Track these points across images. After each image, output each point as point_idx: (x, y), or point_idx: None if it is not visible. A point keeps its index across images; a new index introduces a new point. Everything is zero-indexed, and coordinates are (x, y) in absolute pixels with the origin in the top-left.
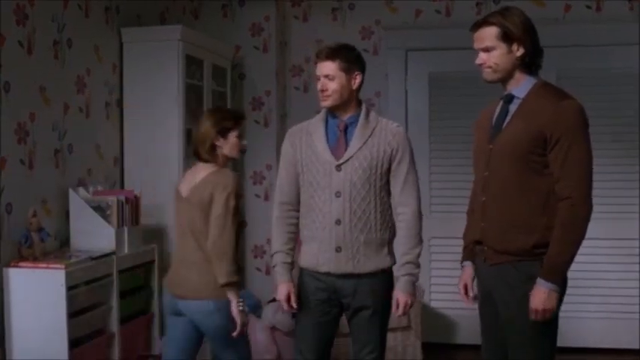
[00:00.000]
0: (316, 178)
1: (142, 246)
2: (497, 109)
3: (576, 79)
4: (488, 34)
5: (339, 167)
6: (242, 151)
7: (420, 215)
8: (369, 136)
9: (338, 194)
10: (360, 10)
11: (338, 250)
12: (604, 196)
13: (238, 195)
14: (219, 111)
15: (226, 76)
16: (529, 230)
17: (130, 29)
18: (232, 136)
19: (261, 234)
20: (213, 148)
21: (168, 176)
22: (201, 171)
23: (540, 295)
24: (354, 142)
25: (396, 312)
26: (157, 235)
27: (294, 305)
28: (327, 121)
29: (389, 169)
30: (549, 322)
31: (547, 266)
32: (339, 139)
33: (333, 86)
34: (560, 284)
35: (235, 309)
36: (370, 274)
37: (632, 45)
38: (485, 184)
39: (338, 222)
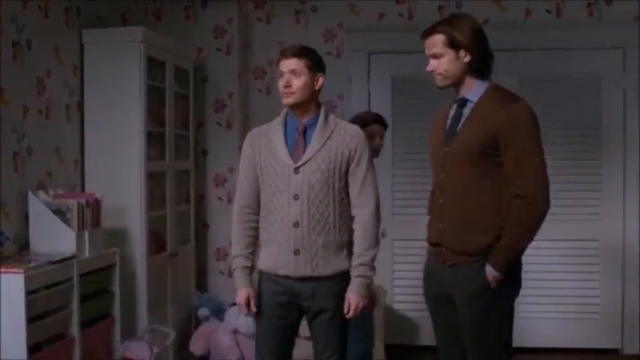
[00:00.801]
0: (275, 180)
1: (103, 249)
2: (452, 113)
3: (538, 82)
4: (436, 42)
5: (297, 170)
6: (374, 149)
7: (377, 217)
8: (328, 138)
9: (296, 197)
10: (322, 13)
11: (296, 252)
12: (565, 197)
13: None
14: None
15: (189, 78)
16: (484, 230)
17: (91, 30)
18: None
19: (223, 237)
20: None
21: (129, 178)
22: None
23: (489, 277)
24: (313, 145)
25: (347, 314)
26: (119, 238)
27: (254, 309)
28: (286, 124)
29: (347, 172)
30: (506, 322)
31: (495, 256)
32: (297, 142)
33: (298, 83)
34: (504, 273)
35: None
36: (329, 276)
37: (593, 49)
38: (442, 187)
39: (296, 224)
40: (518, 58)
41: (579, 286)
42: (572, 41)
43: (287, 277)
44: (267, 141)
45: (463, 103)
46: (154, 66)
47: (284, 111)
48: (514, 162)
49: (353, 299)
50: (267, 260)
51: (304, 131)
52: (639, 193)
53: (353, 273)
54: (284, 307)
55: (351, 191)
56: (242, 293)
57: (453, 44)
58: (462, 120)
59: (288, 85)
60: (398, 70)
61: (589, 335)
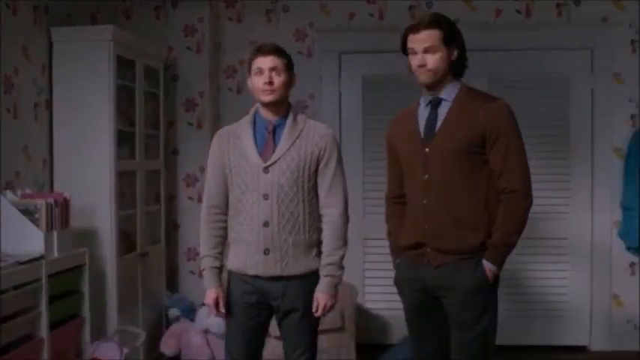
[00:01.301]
0: (244, 180)
1: (72, 249)
2: (424, 113)
3: (507, 82)
4: (433, 36)
5: (266, 169)
6: None
7: (345, 217)
8: (297, 138)
9: (266, 196)
10: (293, 12)
11: (266, 252)
12: (535, 196)
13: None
14: None
15: (159, 77)
16: (476, 229)
17: (60, 29)
18: None
19: (193, 236)
20: None
21: (99, 178)
22: None
23: (488, 272)
24: (282, 144)
25: (315, 313)
26: (88, 237)
27: (222, 310)
28: (254, 123)
29: (317, 171)
30: (495, 321)
31: (492, 253)
32: (267, 141)
33: (279, 80)
34: (500, 266)
35: None
36: (299, 276)
37: (562, 50)
38: (426, 188)
39: (266, 224)
40: (488, 57)
41: (548, 284)
42: (541, 41)
43: (256, 276)
44: (236, 140)
45: (437, 102)
46: (123, 65)
47: (252, 109)
48: (502, 157)
49: (321, 299)
50: (236, 260)
51: (274, 130)
52: (609, 193)
53: (322, 272)
54: (253, 307)
55: (319, 191)
56: (211, 294)
57: (449, 41)
58: (440, 120)
59: (270, 82)
60: (369, 70)
61: (557, 332)
